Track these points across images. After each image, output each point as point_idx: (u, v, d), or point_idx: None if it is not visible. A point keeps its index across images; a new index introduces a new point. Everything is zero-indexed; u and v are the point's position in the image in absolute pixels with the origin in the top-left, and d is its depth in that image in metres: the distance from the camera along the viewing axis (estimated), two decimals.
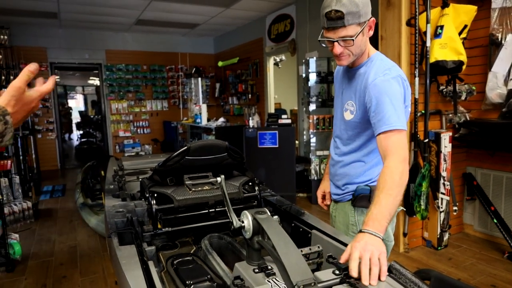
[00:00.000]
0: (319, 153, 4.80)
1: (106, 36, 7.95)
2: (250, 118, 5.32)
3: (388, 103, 1.26)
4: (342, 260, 1.01)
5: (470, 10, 2.98)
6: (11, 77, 4.22)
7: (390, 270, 1.00)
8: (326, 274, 1.00)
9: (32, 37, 7.23)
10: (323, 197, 1.77)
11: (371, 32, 1.34)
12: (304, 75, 5.10)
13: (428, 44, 2.97)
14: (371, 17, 1.29)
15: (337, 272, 1.00)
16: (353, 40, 1.27)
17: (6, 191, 4.04)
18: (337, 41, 1.29)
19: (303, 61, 5.11)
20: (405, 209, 3.10)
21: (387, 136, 1.24)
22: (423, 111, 3.14)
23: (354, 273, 0.95)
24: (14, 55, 5.84)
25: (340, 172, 1.55)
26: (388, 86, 1.29)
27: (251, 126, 4.96)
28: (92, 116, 12.26)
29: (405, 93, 1.34)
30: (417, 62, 3.04)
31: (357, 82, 1.41)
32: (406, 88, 1.34)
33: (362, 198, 1.46)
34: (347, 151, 1.50)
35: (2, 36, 3.88)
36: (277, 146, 4.59)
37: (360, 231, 1.06)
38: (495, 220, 3.23)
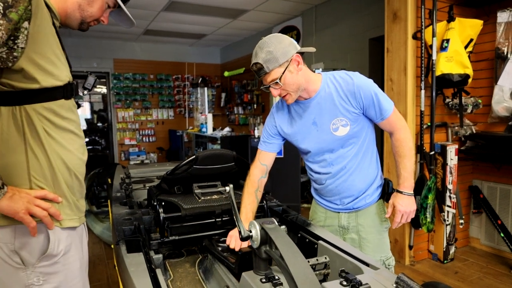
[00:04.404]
0: None
1: (115, 46, 8.07)
2: (256, 128, 5.34)
3: (379, 93, 1.48)
4: (388, 215, 1.55)
5: (476, 24, 3.00)
6: None
7: (397, 282, 1.00)
8: (334, 285, 1.00)
9: None
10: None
11: (301, 66, 1.44)
12: None
13: (434, 57, 2.99)
14: (294, 54, 1.40)
15: (344, 283, 1.00)
16: (278, 81, 1.40)
17: None
18: (269, 86, 1.44)
19: None
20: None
21: (389, 117, 1.49)
22: (429, 124, 3.14)
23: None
24: None
25: (346, 185, 1.59)
26: (368, 81, 1.49)
27: (256, 136, 4.98)
28: (98, 124, 12.36)
29: None
30: (423, 75, 3.06)
31: (329, 101, 1.49)
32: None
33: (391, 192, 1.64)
34: (346, 163, 1.56)
35: None
36: (282, 156, 4.58)
37: (398, 192, 1.50)
38: (502, 234, 3.20)
